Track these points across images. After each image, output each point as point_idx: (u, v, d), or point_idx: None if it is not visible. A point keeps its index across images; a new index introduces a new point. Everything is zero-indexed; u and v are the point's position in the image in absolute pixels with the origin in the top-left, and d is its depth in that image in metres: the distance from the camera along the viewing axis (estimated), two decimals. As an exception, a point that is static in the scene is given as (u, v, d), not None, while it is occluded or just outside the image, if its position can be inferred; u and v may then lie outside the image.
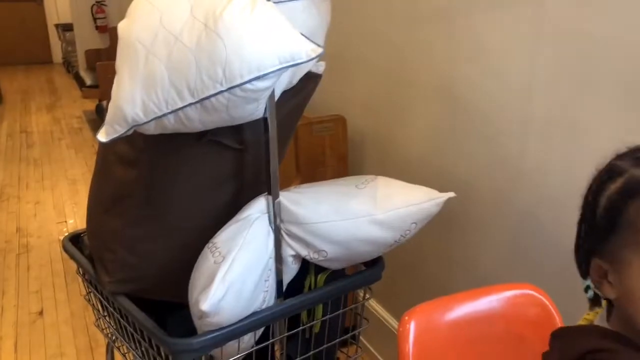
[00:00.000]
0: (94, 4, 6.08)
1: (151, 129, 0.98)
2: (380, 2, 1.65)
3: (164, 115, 0.94)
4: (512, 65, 1.22)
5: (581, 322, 0.76)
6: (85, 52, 6.04)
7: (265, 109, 1.04)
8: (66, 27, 7.28)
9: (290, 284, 1.20)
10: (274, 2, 1.00)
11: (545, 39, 1.13)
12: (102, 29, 6.13)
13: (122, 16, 1.00)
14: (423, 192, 1.18)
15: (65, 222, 3.31)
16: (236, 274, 1.03)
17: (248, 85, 0.91)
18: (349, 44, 1.83)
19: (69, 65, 7.71)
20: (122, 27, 0.97)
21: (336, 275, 1.26)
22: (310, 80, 1.22)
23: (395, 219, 1.14)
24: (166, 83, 0.92)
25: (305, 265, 1.25)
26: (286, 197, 1.14)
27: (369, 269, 1.27)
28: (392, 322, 1.84)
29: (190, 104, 0.93)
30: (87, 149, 4.62)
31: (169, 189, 1.12)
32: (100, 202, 1.21)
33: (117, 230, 1.16)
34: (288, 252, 1.16)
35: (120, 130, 0.96)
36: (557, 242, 1.18)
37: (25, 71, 8.25)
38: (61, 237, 2.76)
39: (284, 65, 0.91)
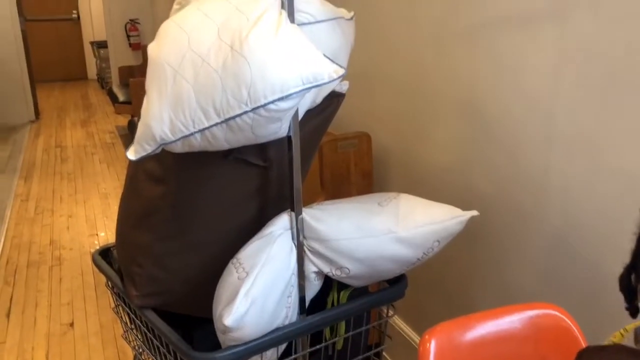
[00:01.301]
0: (127, 22, 6.24)
1: (178, 148, 1.01)
2: (404, 22, 1.66)
3: (191, 134, 0.97)
4: (536, 83, 1.22)
5: (606, 343, 0.76)
6: (119, 69, 6.20)
7: (289, 127, 1.06)
8: (101, 45, 7.49)
9: (313, 300, 1.21)
10: (298, 24, 1.03)
11: (569, 58, 1.13)
12: (135, 47, 6.28)
13: (154, 33, 1.03)
14: (446, 210, 1.18)
15: (97, 235, 3.38)
16: (259, 290, 1.05)
17: (272, 106, 0.93)
18: (374, 63, 1.85)
19: (103, 81, 7.92)
20: (151, 48, 1.01)
21: (359, 292, 1.27)
22: (333, 99, 1.24)
23: (417, 237, 1.15)
24: (193, 103, 0.95)
25: (328, 282, 1.26)
26: (309, 214, 1.15)
27: (392, 287, 1.28)
28: (417, 339, 1.83)
29: (216, 124, 0.96)
30: (119, 164, 4.72)
31: (195, 206, 1.14)
32: (129, 218, 1.25)
33: (145, 245, 1.19)
34: (311, 269, 1.17)
35: (149, 148, 1.00)
36: (582, 260, 1.16)
37: (62, 87, 8.49)
38: (93, 250, 2.82)
39: (307, 86, 0.93)
